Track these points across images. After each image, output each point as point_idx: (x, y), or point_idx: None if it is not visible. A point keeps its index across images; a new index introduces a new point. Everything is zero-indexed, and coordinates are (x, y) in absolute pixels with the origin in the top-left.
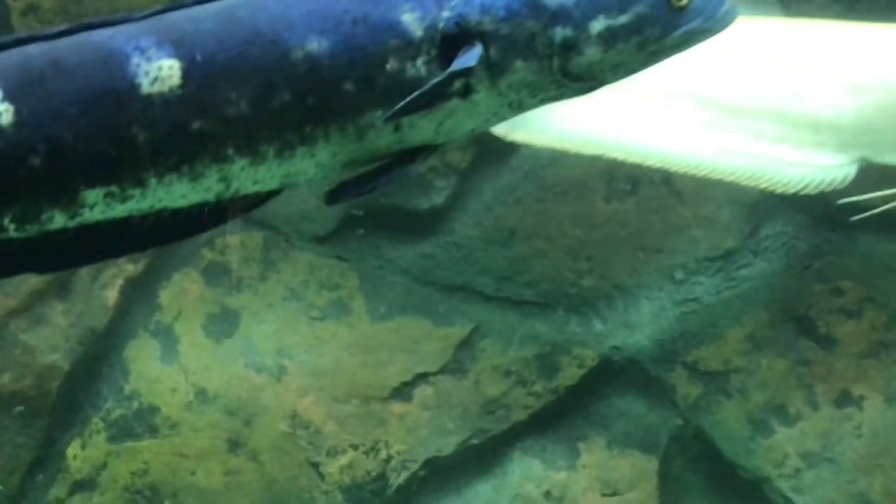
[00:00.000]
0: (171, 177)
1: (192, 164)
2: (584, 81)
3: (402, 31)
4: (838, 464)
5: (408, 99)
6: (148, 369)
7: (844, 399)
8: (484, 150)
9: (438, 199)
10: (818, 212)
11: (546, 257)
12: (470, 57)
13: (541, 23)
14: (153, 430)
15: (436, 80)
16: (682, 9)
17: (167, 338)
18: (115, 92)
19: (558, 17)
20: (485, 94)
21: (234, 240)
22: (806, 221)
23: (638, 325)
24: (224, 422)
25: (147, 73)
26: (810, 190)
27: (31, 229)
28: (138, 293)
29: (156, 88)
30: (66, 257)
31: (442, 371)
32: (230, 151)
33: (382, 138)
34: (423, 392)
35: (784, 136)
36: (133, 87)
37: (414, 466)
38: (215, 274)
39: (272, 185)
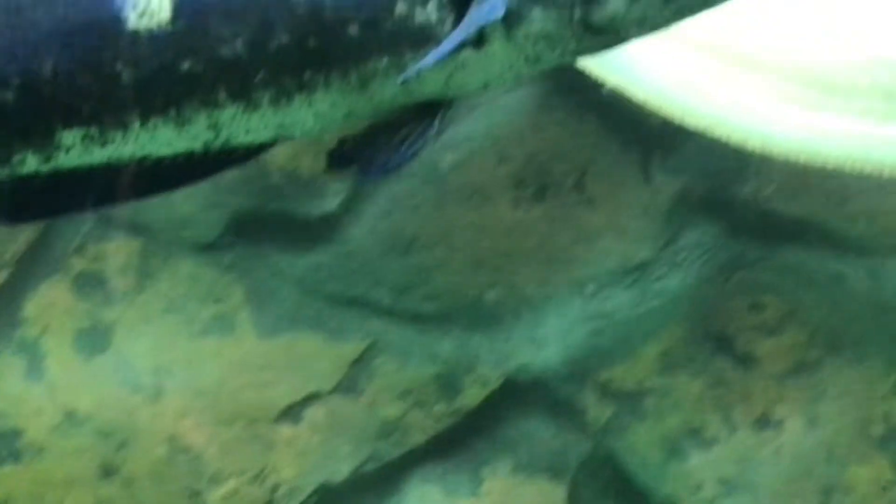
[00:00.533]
0: (157, 120)
1: (180, 108)
2: (605, 35)
3: None
4: (757, 490)
5: (427, 57)
6: (10, 388)
7: (764, 421)
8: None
9: (331, 204)
10: (739, 221)
11: (447, 268)
12: (495, 6)
13: None
14: (16, 455)
15: (459, 35)
16: None
17: (33, 354)
18: (99, 24)
19: None
20: (500, 44)
21: (108, 247)
22: (726, 231)
23: (545, 341)
24: (95, 446)
25: (135, 6)
26: None
27: (1, 172)
28: (0, 305)
29: (143, 23)
30: (37, 207)
31: (334, 391)
32: (222, 96)
33: (387, 89)
34: (313, 414)
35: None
36: (119, 20)
37: (303, 494)
38: (87, 284)
39: (265, 136)
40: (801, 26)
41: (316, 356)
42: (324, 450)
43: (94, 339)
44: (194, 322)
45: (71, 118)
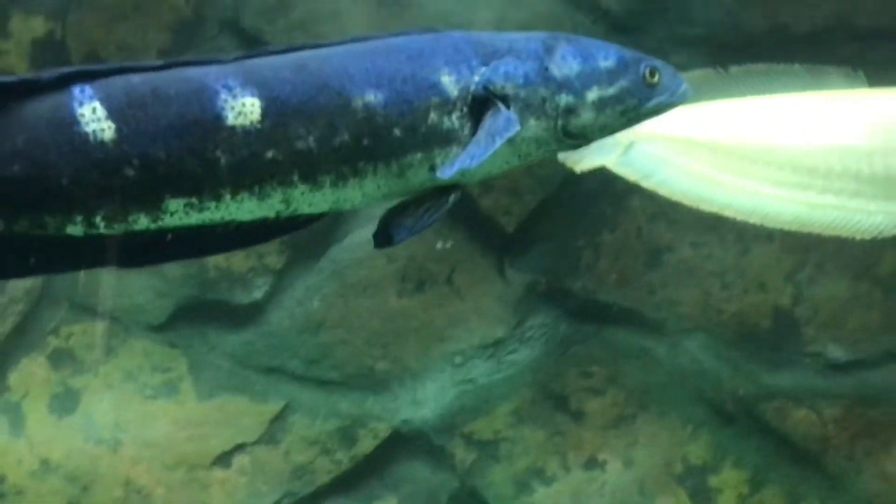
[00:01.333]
0: (243, 194)
1: (262, 186)
2: (576, 139)
3: (441, 91)
4: None
5: (472, 160)
6: None
7: (591, 463)
8: (296, 254)
9: (258, 294)
10: (573, 307)
11: (348, 344)
12: (511, 121)
13: (550, 90)
14: (1, 497)
15: (493, 143)
16: (654, 85)
17: (15, 414)
18: (204, 121)
19: (563, 86)
20: (503, 146)
21: (78, 328)
22: (563, 316)
23: (424, 401)
24: (65, 488)
25: (232, 108)
26: (885, 233)
27: (118, 228)
28: None
29: (238, 121)
30: (145, 256)
31: (258, 442)
32: (294, 178)
33: (420, 176)
34: (241, 460)
35: (861, 191)
36: (220, 118)
37: None
38: (60, 358)
39: (323, 208)
40: (785, 124)
41: (243, 414)
42: (249, 489)
43: (65, 403)
44: (146, 388)
45: (177, 191)
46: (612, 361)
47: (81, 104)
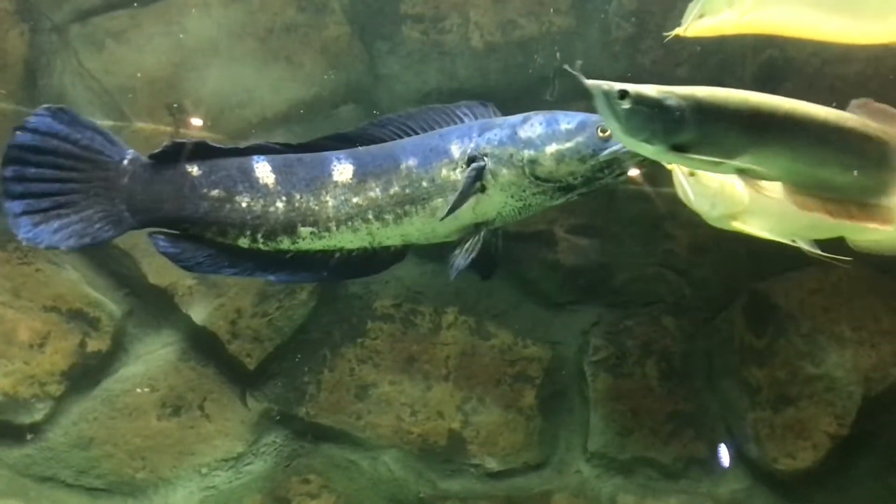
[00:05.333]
0: (342, 227)
1: (353, 222)
2: (551, 183)
3: (450, 155)
4: None
5: (454, 202)
6: None
7: None
8: (74, 384)
9: (38, 416)
10: (298, 429)
11: (113, 458)
12: (480, 166)
13: (516, 147)
14: None
15: (465, 182)
16: (607, 139)
17: None
18: (322, 177)
19: (527, 144)
20: (493, 190)
21: None
22: (290, 436)
23: None
24: None
25: (337, 170)
26: None
27: (270, 245)
28: None
29: (340, 179)
30: (288, 270)
31: None
32: (370, 216)
33: (445, 218)
34: None
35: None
36: (331, 176)
37: None
38: None
39: (396, 241)
40: None
41: None
42: None
43: None
44: None
45: (305, 222)
46: (326, 471)
47: (257, 162)
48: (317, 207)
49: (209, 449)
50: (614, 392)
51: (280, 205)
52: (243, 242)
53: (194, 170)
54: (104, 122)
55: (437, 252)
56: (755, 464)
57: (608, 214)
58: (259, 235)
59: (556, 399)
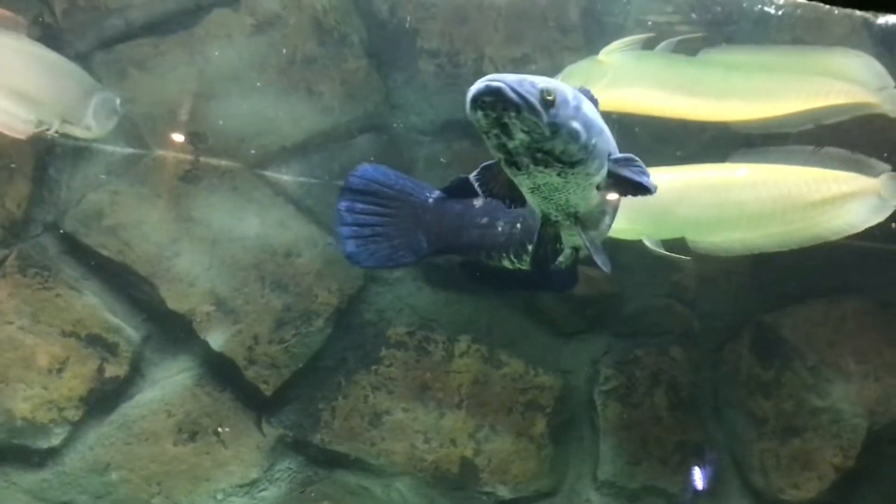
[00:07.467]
0: (500, 254)
1: (507, 251)
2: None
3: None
4: None
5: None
6: None
7: None
8: (91, 409)
9: (56, 441)
10: (313, 456)
11: (129, 483)
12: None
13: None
14: None
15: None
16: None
17: None
18: (489, 227)
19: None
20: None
21: None
22: (305, 462)
23: None
24: None
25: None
26: None
27: (517, 264)
28: None
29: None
30: (505, 283)
31: None
32: (493, 253)
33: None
34: None
35: None
36: (495, 224)
37: None
38: None
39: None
40: None
41: None
42: None
43: None
44: None
45: (521, 248)
46: (340, 497)
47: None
48: (487, 244)
49: (224, 475)
50: (624, 421)
51: (519, 226)
52: (506, 263)
53: (477, 202)
54: (125, 150)
55: (451, 280)
56: (761, 493)
57: (618, 245)
58: (511, 254)
59: (567, 427)
